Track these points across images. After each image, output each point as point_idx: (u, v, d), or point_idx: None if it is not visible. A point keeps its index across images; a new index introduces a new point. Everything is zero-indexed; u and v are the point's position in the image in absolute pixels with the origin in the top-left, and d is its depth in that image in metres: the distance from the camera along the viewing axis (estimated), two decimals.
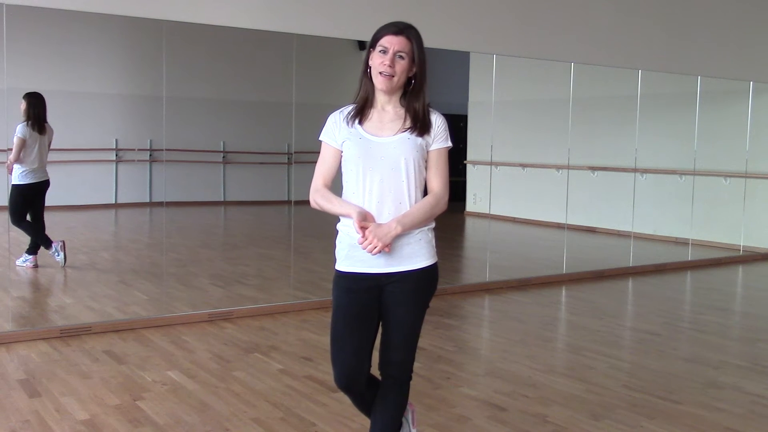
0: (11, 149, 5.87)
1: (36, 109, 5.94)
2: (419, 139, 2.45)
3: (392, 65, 2.39)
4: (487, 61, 7.05)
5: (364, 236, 2.35)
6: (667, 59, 7.65)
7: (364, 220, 2.38)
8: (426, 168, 2.49)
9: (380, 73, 2.40)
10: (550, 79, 8.79)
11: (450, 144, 2.52)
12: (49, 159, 6.11)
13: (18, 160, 5.89)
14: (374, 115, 2.48)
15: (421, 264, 2.48)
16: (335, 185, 2.54)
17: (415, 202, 2.46)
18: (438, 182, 2.49)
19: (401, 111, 2.48)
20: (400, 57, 2.40)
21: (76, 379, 3.92)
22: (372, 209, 2.43)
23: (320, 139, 2.54)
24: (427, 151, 2.48)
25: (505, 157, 9.67)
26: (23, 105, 5.92)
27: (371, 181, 2.43)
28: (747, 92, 8.72)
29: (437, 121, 2.49)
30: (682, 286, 7.44)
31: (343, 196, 2.49)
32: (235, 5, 5.25)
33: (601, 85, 8.84)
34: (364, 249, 2.36)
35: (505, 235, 9.52)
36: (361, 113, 2.48)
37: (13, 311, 5.17)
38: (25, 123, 5.91)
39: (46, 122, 6.00)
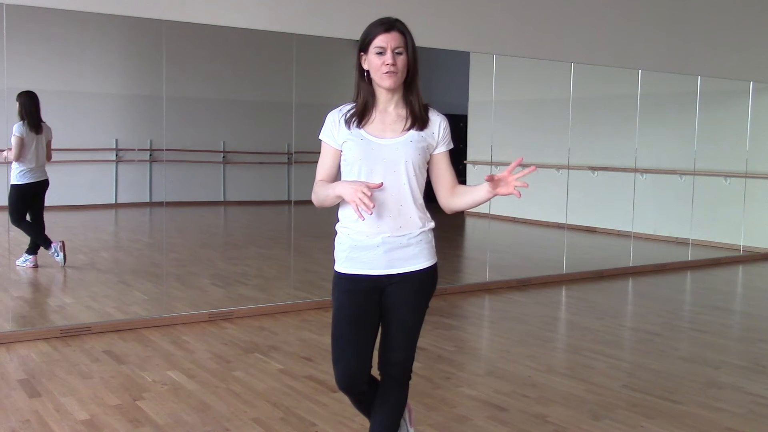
0: (10, 149, 5.86)
1: (29, 109, 5.92)
2: (421, 140, 2.44)
3: (394, 63, 2.38)
4: (487, 61, 7.04)
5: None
6: (667, 59, 7.65)
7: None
8: (429, 170, 2.51)
9: (384, 73, 2.38)
10: (550, 79, 8.78)
11: (452, 145, 2.54)
12: None
13: (17, 158, 5.88)
14: (376, 116, 2.47)
15: (422, 265, 2.48)
16: None
17: (415, 204, 2.46)
18: (455, 178, 2.54)
19: (402, 111, 2.47)
20: (398, 53, 2.39)
21: (76, 379, 3.92)
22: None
23: (320, 138, 2.53)
24: (431, 154, 2.49)
25: (505, 157, 9.61)
26: (17, 105, 5.91)
27: (373, 182, 2.42)
28: (747, 92, 8.72)
29: (441, 124, 2.49)
30: (682, 286, 7.43)
31: None
32: (235, 5, 5.25)
33: (601, 85, 8.84)
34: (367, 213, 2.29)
35: (505, 235, 9.51)
36: (362, 116, 2.46)
37: (13, 311, 5.17)
38: (21, 122, 5.90)
39: (42, 121, 5.99)
